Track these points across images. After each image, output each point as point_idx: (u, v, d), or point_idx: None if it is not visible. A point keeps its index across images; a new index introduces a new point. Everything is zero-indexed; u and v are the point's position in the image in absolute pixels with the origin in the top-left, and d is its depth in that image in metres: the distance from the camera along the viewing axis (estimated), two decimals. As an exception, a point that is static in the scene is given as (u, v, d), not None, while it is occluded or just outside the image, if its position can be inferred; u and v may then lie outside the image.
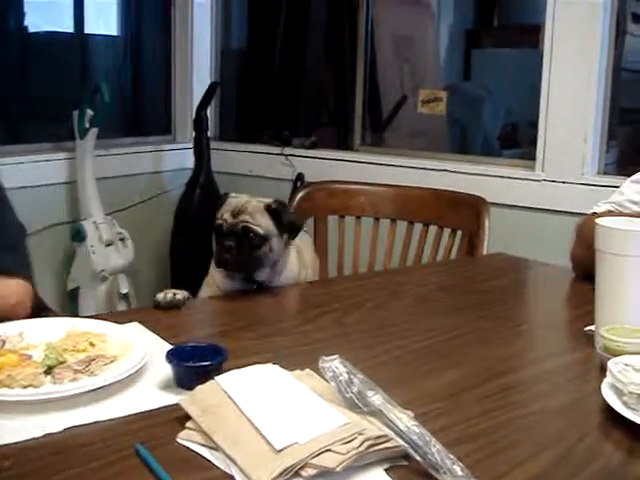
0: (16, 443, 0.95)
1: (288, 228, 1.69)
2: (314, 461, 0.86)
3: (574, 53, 2.87)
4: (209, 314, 1.61)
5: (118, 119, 4.00)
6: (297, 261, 1.76)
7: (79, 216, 3.39)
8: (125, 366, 1.13)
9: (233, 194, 1.72)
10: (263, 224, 1.64)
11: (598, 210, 1.79)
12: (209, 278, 1.74)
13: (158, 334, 1.32)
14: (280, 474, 0.84)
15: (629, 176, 1.81)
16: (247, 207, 1.65)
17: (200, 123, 3.67)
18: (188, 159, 3.80)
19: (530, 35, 4.15)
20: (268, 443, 0.89)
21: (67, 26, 3.84)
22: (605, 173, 2.95)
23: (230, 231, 1.64)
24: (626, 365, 1.08)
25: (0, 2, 3.59)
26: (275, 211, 1.67)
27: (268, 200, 1.70)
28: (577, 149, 2.90)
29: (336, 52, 3.97)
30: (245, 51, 4.32)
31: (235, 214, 1.64)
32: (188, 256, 3.69)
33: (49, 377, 1.11)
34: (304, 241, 1.80)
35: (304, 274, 1.79)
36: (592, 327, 1.35)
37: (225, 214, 1.65)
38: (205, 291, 1.72)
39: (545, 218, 2.92)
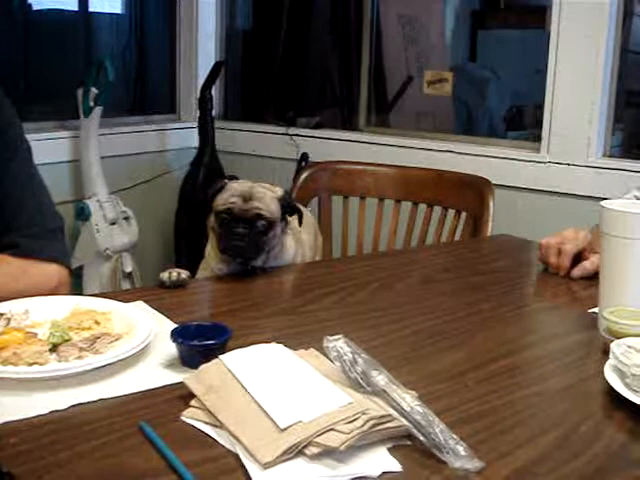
0: (22, 420, 0.95)
1: (297, 214, 1.69)
2: (318, 440, 0.86)
3: (581, 35, 2.86)
4: (214, 293, 1.62)
5: (122, 98, 3.99)
6: (294, 243, 1.76)
7: (83, 195, 3.39)
8: (130, 344, 1.13)
9: (232, 180, 1.71)
10: (273, 210, 1.63)
11: (626, 196, 1.81)
12: (204, 262, 1.73)
13: (163, 313, 1.32)
14: (284, 452, 0.85)
15: (635, 159, 1.82)
16: (256, 193, 1.64)
17: (205, 102, 3.66)
18: (192, 138, 3.80)
19: (536, 16, 4.12)
20: (272, 421, 0.89)
21: (71, 4, 3.83)
22: (611, 156, 2.94)
23: (241, 217, 1.62)
24: (629, 347, 1.08)
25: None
26: (284, 200, 1.67)
27: (275, 188, 1.69)
28: (583, 131, 2.89)
29: (342, 32, 3.95)
30: (250, 30, 4.30)
31: (246, 199, 1.63)
32: (192, 235, 3.69)
33: (54, 355, 1.12)
34: (306, 222, 1.80)
35: (300, 255, 1.79)
36: (595, 309, 1.36)
37: (233, 199, 1.63)
38: (201, 274, 1.72)
39: (550, 200, 2.92)
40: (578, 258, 1.65)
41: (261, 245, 1.64)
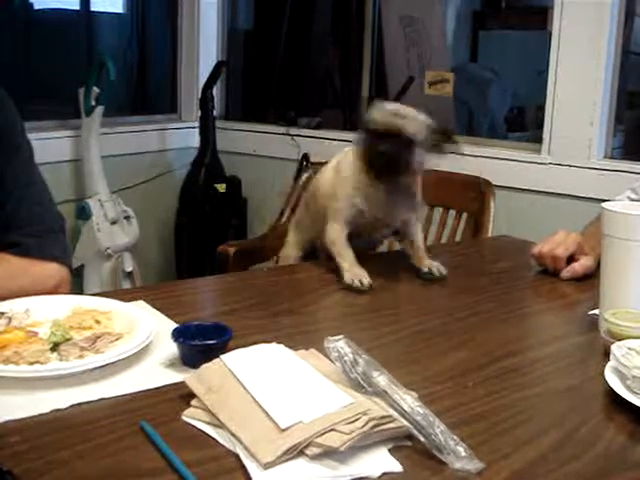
0: (23, 419, 0.95)
1: (446, 138, 1.66)
2: (318, 440, 0.86)
3: (582, 35, 2.86)
4: (214, 293, 1.62)
5: (124, 97, 3.99)
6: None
7: (84, 194, 3.40)
8: (131, 344, 1.13)
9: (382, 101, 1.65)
10: (419, 130, 1.59)
11: (617, 198, 1.81)
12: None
13: (163, 312, 1.32)
14: (285, 452, 0.85)
15: (636, 160, 1.83)
16: (407, 113, 1.60)
17: (206, 102, 3.67)
18: (193, 138, 3.80)
19: (538, 17, 4.13)
20: (273, 422, 0.89)
21: (73, 3, 3.83)
22: (612, 157, 2.95)
23: (386, 133, 1.57)
24: (630, 349, 1.08)
25: (6, -22, 3.58)
26: (431, 129, 1.63)
27: (425, 117, 1.64)
28: (584, 133, 2.89)
29: (343, 32, 3.96)
30: (252, 30, 4.30)
31: (394, 116, 1.58)
32: (193, 235, 3.70)
33: (55, 354, 1.11)
34: None
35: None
36: (596, 311, 1.36)
37: (378, 115, 1.59)
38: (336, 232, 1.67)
39: (551, 201, 2.92)
40: (569, 259, 1.65)
41: (403, 160, 1.59)
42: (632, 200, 1.77)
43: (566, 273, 1.63)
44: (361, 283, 1.54)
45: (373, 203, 1.64)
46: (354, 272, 1.57)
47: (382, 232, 1.77)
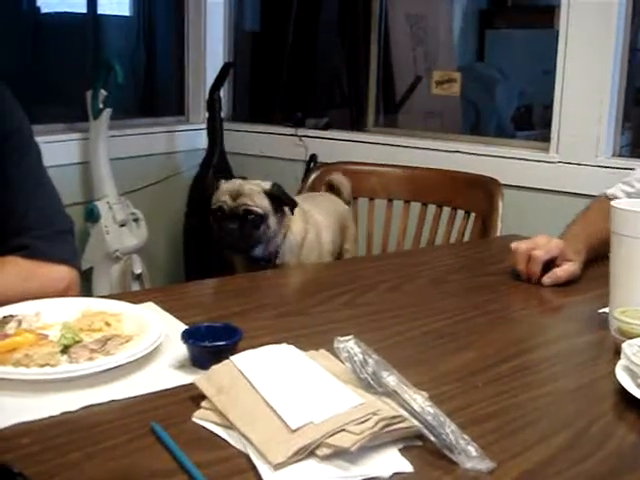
0: (33, 421, 0.95)
1: (289, 204, 1.79)
2: (329, 441, 0.86)
3: (589, 34, 2.85)
4: (224, 294, 1.62)
5: (131, 100, 4.00)
6: (302, 228, 1.85)
7: (93, 196, 3.40)
8: (141, 346, 1.13)
9: (224, 180, 1.84)
10: (262, 204, 1.73)
11: (608, 191, 1.80)
12: None
13: (173, 314, 1.32)
14: (295, 453, 0.85)
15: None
16: (245, 190, 1.74)
17: (213, 104, 3.67)
18: (201, 140, 3.80)
19: (545, 15, 4.12)
20: (283, 423, 0.89)
21: (80, 6, 3.84)
22: (620, 155, 2.94)
23: (232, 213, 1.75)
24: (640, 347, 1.08)
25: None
26: (272, 193, 1.79)
27: (263, 183, 1.82)
28: (592, 131, 2.88)
29: (350, 33, 3.95)
30: (258, 32, 4.30)
31: (234, 197, 1.73)
32: (201, 236, 3.70)
33: (65, 356, 1.12)
34: (326, 206, 1.93)
35: (314, 240, 1.89)
36: (606, 309, 1.35)
37: (223, 197, 1.76)
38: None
39: (559, 200, 2.91)
40: (549, 266, 1.60)
41: (254, 238, 1.78)
42: (628, 194, 1.76)
43: (547, 279, 1.58)
44: None
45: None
46: None
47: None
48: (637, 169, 1.83)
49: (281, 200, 1.81)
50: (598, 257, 1.66)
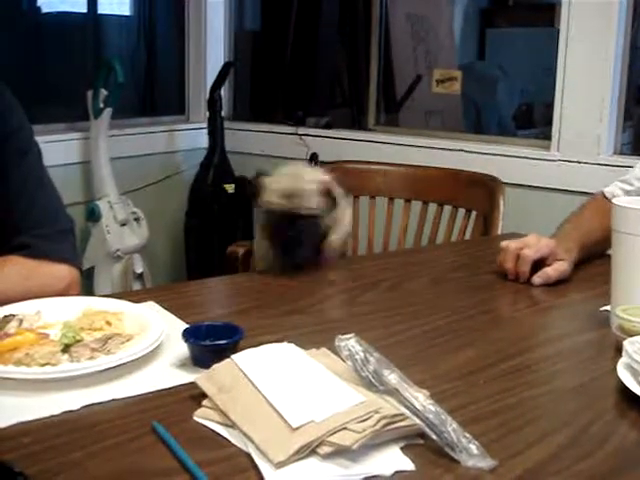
0: (35, 420, 0.95)
1: (335, 202, 1.65)
2: (330, 439, 0.86)
3: (590, 32, 2.85)
4: (225, 293, 1.62)
5: (132, 99, 4.00)
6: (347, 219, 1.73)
7: (94, 196, 3.40)
8: (141, 345, 1.13)
9: (268, 176, 1.64)
10: (317, 205, 1.59)
11: (606, 190, 1.80)
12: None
13: (174, 313, 1.32)
14: (296, 452, 0.85)
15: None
16: (299, 189, 1.59)
17: (214, 103, 3.67)
18: (202, 139, 3.80)
19: (545, 14, 4.12)
20: (284, 421, 0.89)
21: (80, 6, 3.84)
22: (621, 153, 2.94)
23: (285, 216, 1.58)
24: (642, 345, 1.08)
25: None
26: (325, 192, 1.62)
27: (317, 178, 1.64)
28: (593, 129, 2.88)
29: (350, 31, 3.95)
30: (259, 31, 4.30)
31: (288, 197, 1.58)
32: (202, 235, 3.70)
33: (66, 355, 1.12)
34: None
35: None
36: (607, 307, 1.35)
37: (275, 198, 1.58)
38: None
39: (560, 198, 2.91)
40: (538, 266, 1.58)
41: (308, 240, 1.61)
42: (627, 192, 1.76)
43: (538, 278, 1.56)
44: None
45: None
46: None
47: None
48: (635, 167, 1.82)
49: (334, 199, 1.63)
50: (591, 257, 1.66)
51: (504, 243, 1.61)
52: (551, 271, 1.57)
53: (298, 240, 1.58)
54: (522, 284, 1.59)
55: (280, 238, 1.59)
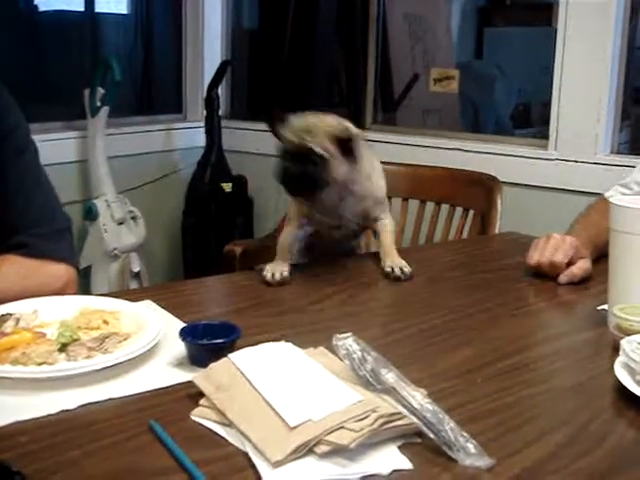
0: (31, 420, 0.95)
1: (351, 151, 1.64)
2: (328, 438, 0.86)
3: (588, 31, 2.85)
4: (222, 292, 1.62)
5: (129, 98, 3.99)
6: (377, 177, 1.75)
7: (91, 195, 3.40)
8: (138, 344, 1.13)
9: (296, 115, 1.67)
10: (326, 147, 1.59)
11: (606, 194, 1.80)
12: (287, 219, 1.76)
13: (171, 312, 1.32)
14: (294, 451, 0.85)
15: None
16: (312, 127, 1.61)
17: (211, 102, 3.67)
18: (199, 138, 3.80)
19: (543, 13, 4.13)
20: (282, 420, 0.89)
21: (77, 5, 3.83)
22: (618, 152, 2.94)
23: (294, 153, 1.61)
24: (639, 344, 1.08)
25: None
26: (338, 137, 1.62)
27: (335, 123, 1.64)
28: (590, 128, 2.88)
29: (348, 30, 3.95)
30: (256, 29, 4.30)
31: (299, 135, 1.60)
32: (199, 234, 3.69)
33: (63, 355, 1.12)
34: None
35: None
36: (605, 306, 1.35)
37: (289, 135, 1.62)
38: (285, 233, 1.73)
39: (558, 197, 2.91)
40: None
41: (317, 180, 1.60)
42: (625, 196, 1.76)
43: (564, 277, 1.58)
44: (272, 276, 1.56)
45: (318, 206, 1.68)
46: (274, 267, 1.59)
47: (341, 233, 1.77)
48: (634, 171, 1.83)
49: (348, 148, 1.63)
50: (600, 257, 1.66)
51: (533, 262, 1.62)
52: (576, 270, 1.58)
53: (301, 176, 1.60)
54: (520, 283, 1.60)
55: (285, 174, 1.62)
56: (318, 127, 1.61)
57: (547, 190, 2.97)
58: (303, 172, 1.60)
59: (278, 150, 1.65)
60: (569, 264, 1.59)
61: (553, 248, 1.60)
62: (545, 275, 1.61)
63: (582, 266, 1.59)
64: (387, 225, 1.74)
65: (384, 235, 1.73)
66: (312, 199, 1.67)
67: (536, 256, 1.62)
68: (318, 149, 1.59)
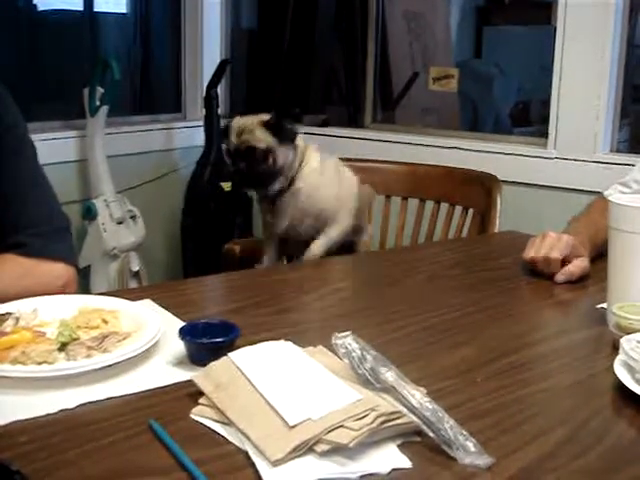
0: (31, 419, 0.95)
1: (288, 134, 1.79)
2: (327, 437, 0.86)
3: (587, 30, 2.85)
4: (221, 291, 1.62)
5: (128, 97, 3.99)
6: (316, 160, 1.86)
7: (90, 194, 3.40)
8: (138, 343, 1.13)
9: (238, 117, 1.83)
10: (264, 138, 1.73)
11: (605, 192, 1.80)
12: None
13: (170, 311, 1.32)
14: (293, 449, 0.85)
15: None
16: (247, 125, 1.76)
17: (210, 101, 3.66)
18: (198, 137, 3.79)
19: (542, 11, 4.12)
20: (281, 419, 0.89)
21: (76, 4, 3.83)
22: (617, 151, 2.94)
23: (236, 152, 1.75)
24: (639, 343, 1.08)
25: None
26: (270, 124, 1.76)
27: (264, 115, 1.79)
28: (589, 127, 2.88)
29: (347, 29, 3.95)
30: (255, 28, 4.30)
31: (238, 135, 1.75)
32: (199, 233, 3.69)
33: (63, 354, 1.12)
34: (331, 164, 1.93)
35: (329, 177, 1.88)
36: (604, 305, 1.35)
37: (231, 136, 1.77)
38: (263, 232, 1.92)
39: (557, 196, 2.91)
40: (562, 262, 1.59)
41: (263, 173, 1.75)
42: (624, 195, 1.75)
43: (561, 276, 1.57)
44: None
45: (275, 214, 1.83)
46: None
47: (302, 237, 1.87)
48: (634, 170, 1.82)
49: (283, 131, 1.78)
50: (598, 256, 1.66)
51: (529, 258, 1.61)
52: (573, 268, 1.58)
53: (248, 173, 1.77)
54: (519, 281, 1.60)
55: (234, 174, 1.80)
56: (252, 124, 1.77)
57: (546, 189, 2.97)
58: (250, 167, 1.75)
59: (225, 154, 1.81)
60: (566, 262, 1.59)
61: (549, 246, 1.59)
62: (542, 274, 1.60)
63: (580, 264, 1.58)
64: (317, 247, 1.83)
65: (315, 246, 1.83)
66: (264, 191, 1.80)
67: (531, 253, 1.61)
68: (257, 143, 1.74)
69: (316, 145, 1.90)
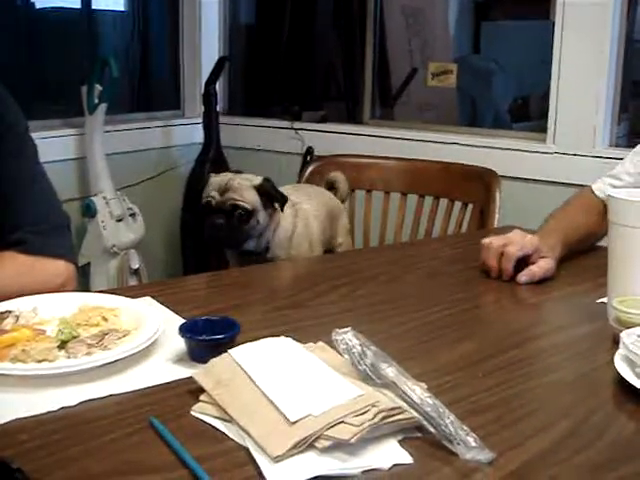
0: (32, 417, 0.95)
1: (280, 200, 1.82)
2: (328, 433, 0.86)
3: (586, 24, 2.84)
4: (222, 288, 1.61)
5: (127, 95, 3.99)
6: (291, 223, 1.90)
7: (89, 192, 3.40)
8: (138, 340, 1.13)
9: (214, 174, 1.86)
10: (250, 199, 1.71)
11: (594, 186, 1.78)
12: None
13: (170, 308, 1.32)
14: (294, 445, 0.85)
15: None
16: (234, 184, 1.76)
17: (209, 98, 3.66)
18: (197, 134, 3.80)
19: (540, 6, 4.11)
20: (282, 415, 0.89)
21: (74, 2, 3.83)
22: (617, 145, 2.94)
23: (219, 208, 1.76)
24: (639, 337, 1.08)
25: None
26: (262, 188, 1.79)
27: (254, 178, 1.82)
28: (589, 121, 2.88)
29: (345, 25, 3.94)
30: (254, 25, 4.30)
31: (222, 192, 1.76)
32: (198, 231, 3.69)
33: (63, 352, 1.11)
34: (318, 201, 1.99)
35: (302, 235, 1.94)
36: (604, 299, 1.35)
37: (212, 192, 1.77)
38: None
39: (556, 191, 2.90)
40: (522, 264, 1.55)
41: (242, 233, 1.79)
42: (616, 188, 1.73)
43: (523, 277, 1.53)
44: None
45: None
46: None
47: None
48: (624, 161, 1.79)
49: (271, 196, 1.80)
50: (576, 252, 1.65)
51: (486, 240, 1.58)
52: (536, 269, 1.54)
53: (227, 230, 1.80)
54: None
55: (210, 228, 1.82)
56: (239, 184, 1.79)
57: (546, 183, 2.97)
58: (229, 224, 1.78)
59: (204, 207, 1.82)
60: (527, 263, 1.55)
61: (509, 239, 1.55)
62: (496, 276, 1.56)
63: (543, 266, 1.55)
64: None
65: None
66: (236, 249, 1.87)
67: (490, 238, 1.57)
68: (242, 202, 1.77)
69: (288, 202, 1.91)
